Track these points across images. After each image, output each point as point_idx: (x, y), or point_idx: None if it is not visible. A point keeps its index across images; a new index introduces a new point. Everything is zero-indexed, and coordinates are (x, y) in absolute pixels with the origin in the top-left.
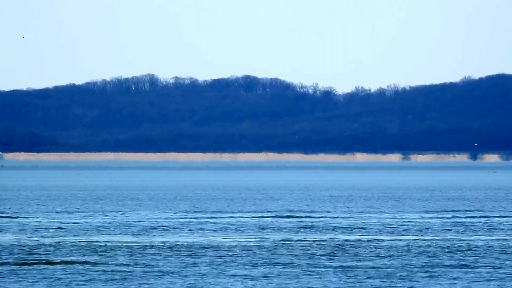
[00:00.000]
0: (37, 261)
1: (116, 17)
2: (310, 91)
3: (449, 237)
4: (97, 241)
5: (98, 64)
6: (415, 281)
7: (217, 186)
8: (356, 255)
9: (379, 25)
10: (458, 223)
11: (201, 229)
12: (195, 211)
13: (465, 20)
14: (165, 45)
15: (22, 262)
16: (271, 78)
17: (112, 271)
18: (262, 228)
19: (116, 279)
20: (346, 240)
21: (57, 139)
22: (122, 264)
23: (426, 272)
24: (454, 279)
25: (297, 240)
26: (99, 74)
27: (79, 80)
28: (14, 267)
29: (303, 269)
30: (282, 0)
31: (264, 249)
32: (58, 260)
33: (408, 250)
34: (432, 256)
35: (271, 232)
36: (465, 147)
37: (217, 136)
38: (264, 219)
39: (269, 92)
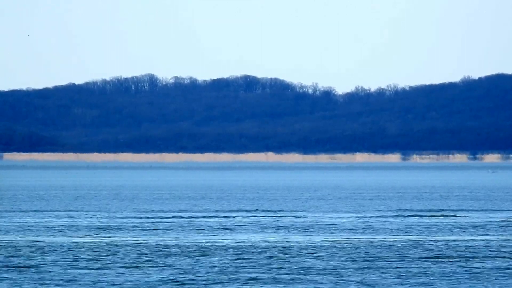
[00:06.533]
0: None
1: (116, 17)
2: (310, 91)
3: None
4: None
5: (98, 64)
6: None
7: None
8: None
9: (379, 25)
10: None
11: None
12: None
13: (465, 20)
14: (165, 45)
15: None
16: (271, 78)
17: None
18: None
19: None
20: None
21: (57, 139)
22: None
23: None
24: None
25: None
26: (99, 74)
27: (79, 80)
28: None
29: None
30: (281, 0)
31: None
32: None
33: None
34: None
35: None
36: (465, 147)
37: (217, 136)
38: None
39: (269, 92)
